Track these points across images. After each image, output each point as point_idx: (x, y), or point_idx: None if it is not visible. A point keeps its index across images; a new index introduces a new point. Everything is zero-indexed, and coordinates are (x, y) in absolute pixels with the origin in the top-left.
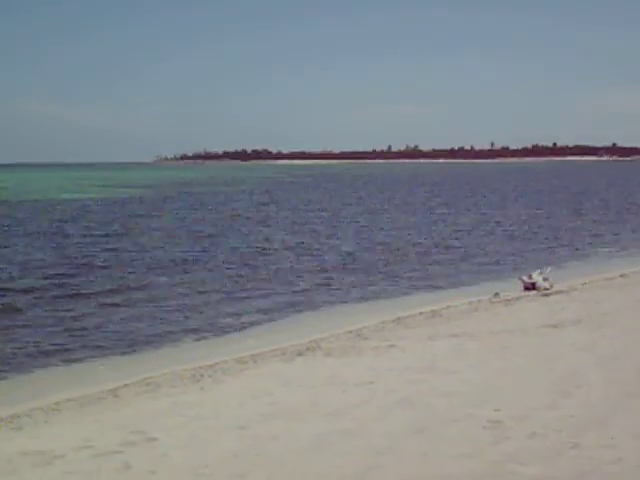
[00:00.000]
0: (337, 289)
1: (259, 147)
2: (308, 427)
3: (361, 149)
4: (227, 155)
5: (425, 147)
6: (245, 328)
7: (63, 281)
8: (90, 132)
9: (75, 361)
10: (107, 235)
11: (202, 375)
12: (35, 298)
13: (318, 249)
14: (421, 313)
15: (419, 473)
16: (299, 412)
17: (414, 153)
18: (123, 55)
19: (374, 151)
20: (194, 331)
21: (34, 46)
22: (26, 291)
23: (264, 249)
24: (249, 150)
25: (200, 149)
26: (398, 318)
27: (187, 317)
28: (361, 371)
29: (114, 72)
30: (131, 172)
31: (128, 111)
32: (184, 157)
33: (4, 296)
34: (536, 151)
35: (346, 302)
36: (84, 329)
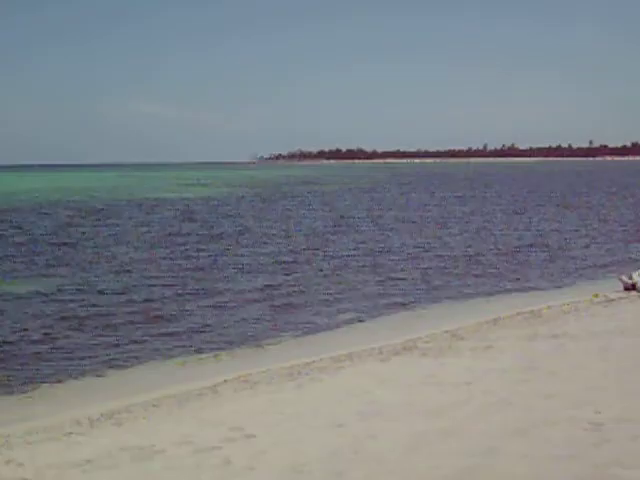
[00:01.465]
0: (434, 289)
1: (354, 146)
2: (406, 426)
3: (456, 148)
4: (322, 155)
5: (521, 145)
6: (341, 327)
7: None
8: (196, 133)
9: (173, 357)
10: (217, 236)
11: (299, 373)
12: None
13: (422, 249)
14: (519, 313)
15: (519, 474)
16: (397, 411)
17: (510, 151)
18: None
19: (469, 149)
20: (291, 329)
21: (148, 49)
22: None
23: (369, 250)
24: (344, 149)
25: (295, 149)
26: (495, 319)
27: (284, 316)
28: (458, 371)
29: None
30: (231, 172)
31: (227, 111)
32: (280, 157)
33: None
34: (637, 149)
35: (443, 302)
36: (184, 328)
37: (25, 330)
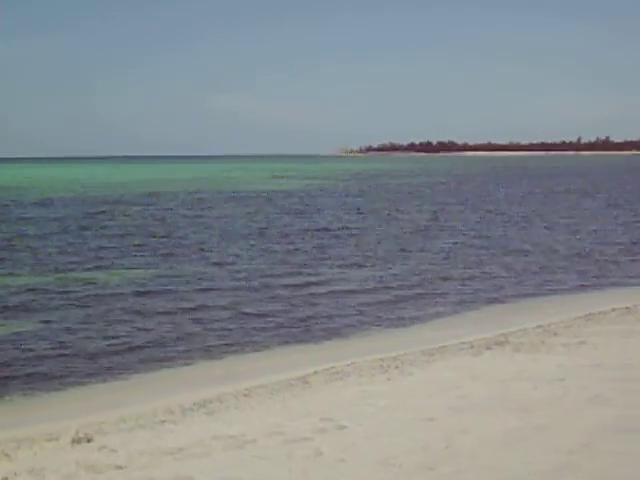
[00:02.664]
0: (526, 283)
1: (444, 139)
2: (498, 422)
3: (549, 141)
4: (412, 147)
5: (616, 138)
6: (432, 320)
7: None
8: (279, 126)
9: (265, 348)
10: (321, 229)
11: (389, 366)
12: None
13: (516, 242)
14: (614, 309)
15: (614, 473)
16: (489, 406)
17: (605, 145)
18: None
19: (563, 143)
20: (381, 322)
21: (228, 41)
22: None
23: (466, 244)
24: (434, 142)
25: (386, 141)
26: (588, 314)
27: (373, 308)
28: (551, 367)
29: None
30: (321, 164)
31: (315, 104)
32: (369, 149)
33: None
34: None
35: (535, 296)
36: (274, 318)
37: (117, 319)
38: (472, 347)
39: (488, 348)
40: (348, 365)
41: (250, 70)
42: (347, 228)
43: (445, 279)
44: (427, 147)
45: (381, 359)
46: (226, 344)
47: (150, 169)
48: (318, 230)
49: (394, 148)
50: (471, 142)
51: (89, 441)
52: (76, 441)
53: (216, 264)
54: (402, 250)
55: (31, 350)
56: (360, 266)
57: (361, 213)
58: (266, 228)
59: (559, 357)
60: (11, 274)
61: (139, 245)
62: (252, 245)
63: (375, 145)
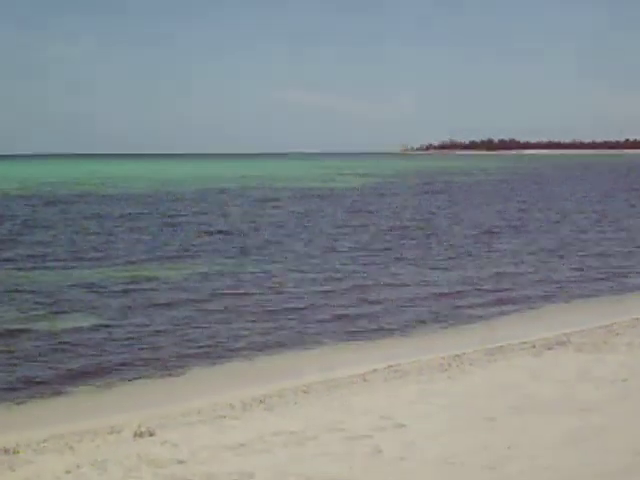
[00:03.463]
0: (590, 282)
1: (505, 137)
2: (560, 422)
3: (613, 139)
4: (473, 145)
5: None
6: (494, 318)
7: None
8: (342, 121)
9: (324, 345)
10: (394, 228)
11: (450, 365)
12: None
13: (587, 243)
14: None
15: None
16: (551, 406)
17: None
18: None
19: (627, 141)
20: (442, 320)
21: (293, 37)
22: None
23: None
24: (495, 140)
25: (446, 138)
26: None
27: (433, 306)
28: (614, 367)
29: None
30: (382, 162)
31: (379, 101)
32: (430, 147)
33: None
34: None
35: (597, 296)
36: (333, 314)
37: (181, 315)
38: (534, 347)
39: (549, 348)
40: (408, 363)
41: (314, 65)
42: (419, 228)
43: (509, 278)
44: (488, 145)
45: (442, 358)
46: (285, 340)
47: (216, 166)
48: (390, 230)
49: (455, 146)
50: (532, 140)
51: (151, 435)
52: (138, 435)
53: (281, 261)
54: (469, 249)
55: (96, 344)
56: (427, 265)
57: (432, 213)
58: (339, 226)
59: (622, 357)
60: (91, 267)
61: (206, 242)
62: (321, 243)
63: (435, 143)
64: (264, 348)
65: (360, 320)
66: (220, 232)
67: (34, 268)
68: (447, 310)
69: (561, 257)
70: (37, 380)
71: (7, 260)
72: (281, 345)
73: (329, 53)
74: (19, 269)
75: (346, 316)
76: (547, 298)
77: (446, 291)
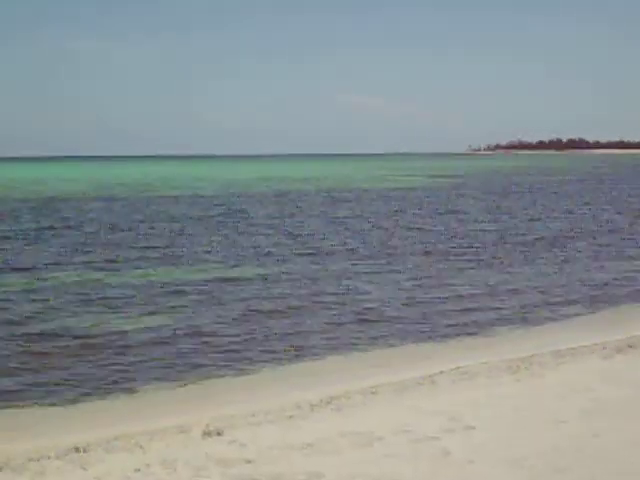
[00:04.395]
0: None
1: (574, 136)
2: (632, 426)
3: None
4: (541, 145)
5: None
6: (563, 320)
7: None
8: (404, 124)
9: (391, 346)
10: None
11: (518, 367)
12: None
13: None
14: None
15: None
16: (622, 410)
17: None
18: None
19: None
20: (509, 321)
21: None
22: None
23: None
24: (564, 139)
25: (514, 139)
26: None
27: (504, 308)
28: None
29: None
30: (451, 162)
31: (441, 103)
32: (497, 147)
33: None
34: None
35: None
36: (401, 316)
37: (249, 314)
38: (604, 349)
39: (620, 351)
40: (476, 365)
41: (377, 69)
42: (487, 231)
43: (581, 280)
44: (557, 145)
45: (510, 360)
46: (352, 341)
47: (279, 167)
48: (459, 235)
49: (522, 146)
50: (602, 139)
51: (219, 434)
52: (207, 434)
53: (356, 263)
54: (542, 252)
55: (164, 343)
56: (498, 268)
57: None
58: (419, 228)
59: None
60: (170, 267)
61: (278, 243)
62: (398, 245)
63: (503, 143)
64: (331, 349)
65: (426, 321)
66: (298, 235)
67: (116, 268)
68: (516, 311)
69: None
70: (108, 379)
71: (88, 262)
72: (348, 346)
73: (391, 56)
74: (102, 270)
75: (413, 318)
76: (619, 300)
77: (516, 293)
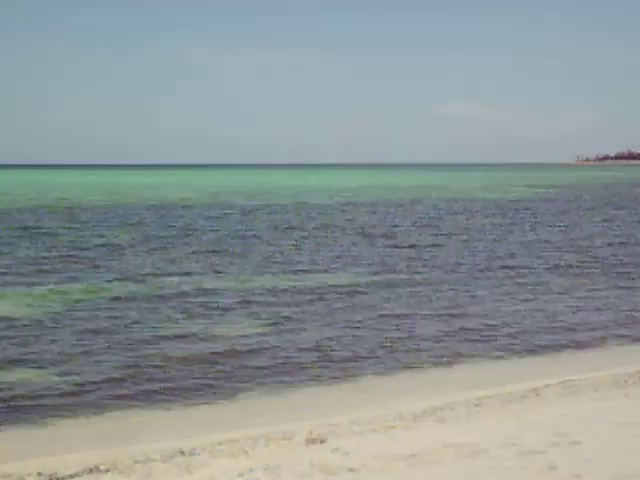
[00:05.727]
0: None
1: None
2: None
3: None
4: None
5: None
6: None
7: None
8: (505, 133)
9: (496, 358)
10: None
11: (627, 382)
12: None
13: None
14: None
15: None
16: None
17: None
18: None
19: None
20: (617, 336)
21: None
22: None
23: None
24: None
25: (624, 149)
26: None
27: (612, 322)
28: None
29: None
30: (552, 173)
31: (546, 112)
32: (606, 157)
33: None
34: None
35: None
36: (503, 328)
37: (355, 322)
38: None
39: None
40: (583, 379)
41: (474, 78)
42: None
43: None
44: None
45: (618, 374)
46: (458, 352)
47: (387, 176)
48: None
49: (632, 157)
50: None
51: (322, 442)
52: (310, 441)
53: (451, 270)
54: None
55: (269, 350)
56: (614, 282)
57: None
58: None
59: None
60: (274, 274)
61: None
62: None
63: (612, 153)
64: (434, 360)
65: (531, 334)
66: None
67: (219, 273)
68: (625, 327)
69: None
70: (212, 385)
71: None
72: (451, 358)
73: (491, 65)
74: (205, 274)
75: (517, 330)
76: None
77: (624, 307)
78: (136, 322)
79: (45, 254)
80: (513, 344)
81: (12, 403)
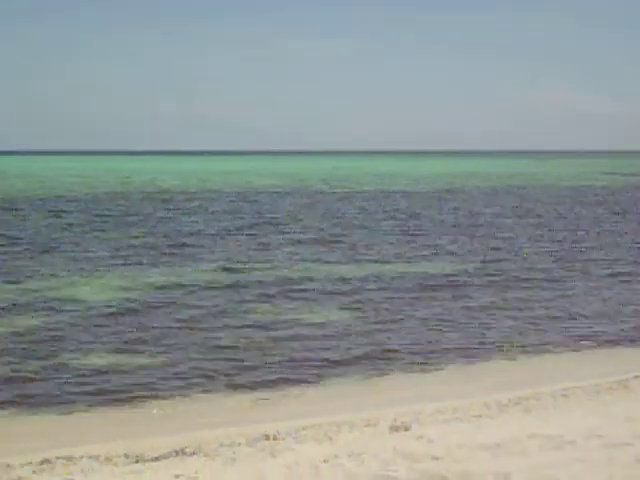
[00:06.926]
0: None
1: None
2: None
3: None
4: None
5: None
6: None
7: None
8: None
9: (583, 348)
10: None
11: None
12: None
13: None
14: None
15: None
16: None
17: None
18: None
19: None
20: None
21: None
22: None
23: None
24: None
25: None
26: None
27: None
28: None
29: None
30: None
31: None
32: None
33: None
34: None
35: None
36: (592, 318)
37: (436, 310)
38: None
39: None
40: None
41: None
42: None
43: None
44: None
45: None
46: (546, 340)
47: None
48: None
49: None
50: None
51: (406, 430)
52: (394, 429)
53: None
54: None
55: (348, 336)
56: None
57: None
58: None
59: None
60: (348, 263)
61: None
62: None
63: None
64: (523, 350)
65: (623, 324)
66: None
67: (294, 259)
68: None
69: None
70: (304, 371)
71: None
72: (540, 347)
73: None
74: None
75: (602, 321)
76: None
77: None
78: (223, 309)
79: (136, 242)
80: (601, 334)
81: (101, 386)
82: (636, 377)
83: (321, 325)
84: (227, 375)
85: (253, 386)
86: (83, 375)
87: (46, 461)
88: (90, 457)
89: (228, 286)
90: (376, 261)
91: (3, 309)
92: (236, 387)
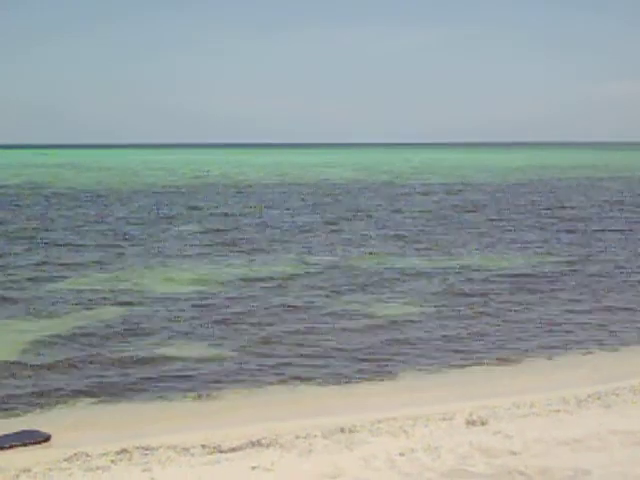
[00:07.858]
0: None
1: None
2: None
3: None
4: None
5: None
6: None
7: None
8: None
9: None
10: None
11: None
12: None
13: None
14: None
15: None
16: None
17: None
18: None
19: None
20: None
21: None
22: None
23: None
24: None
25: None
26: None
27: None
28: None
29: None
30: None
31: None
32: None
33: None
34: None
35: None
36: None
37: (489, 306)
38: None
39: None
40: None
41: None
42: None
43: None
44: None
45: None
46: (621, 339)
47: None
48: None
49: None
50: None
51: (483, 424)
52: (470, 423)
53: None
54: None
55: (424, 329)
56: None
57: None
58: None
59: None
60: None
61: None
62: None
63: None
64: (601, 344)
65: None
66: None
67: (365, 251)
68: None
69: None
70: (371, 363)
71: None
72: (619, 339)
73: None
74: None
75: None
76: None
77: None
78: (298, 297)
79: (227, 236)
80: None
81: (177, 376)
82: None
83: (395, 319)
84: (300, 365)
85: (326, 378)
86: (161, 365)
87: (124, 451)
88: (167, 447)
89: (307, 278)
90: (454, 256)
91: (90, 300)
92: (309, 379)
